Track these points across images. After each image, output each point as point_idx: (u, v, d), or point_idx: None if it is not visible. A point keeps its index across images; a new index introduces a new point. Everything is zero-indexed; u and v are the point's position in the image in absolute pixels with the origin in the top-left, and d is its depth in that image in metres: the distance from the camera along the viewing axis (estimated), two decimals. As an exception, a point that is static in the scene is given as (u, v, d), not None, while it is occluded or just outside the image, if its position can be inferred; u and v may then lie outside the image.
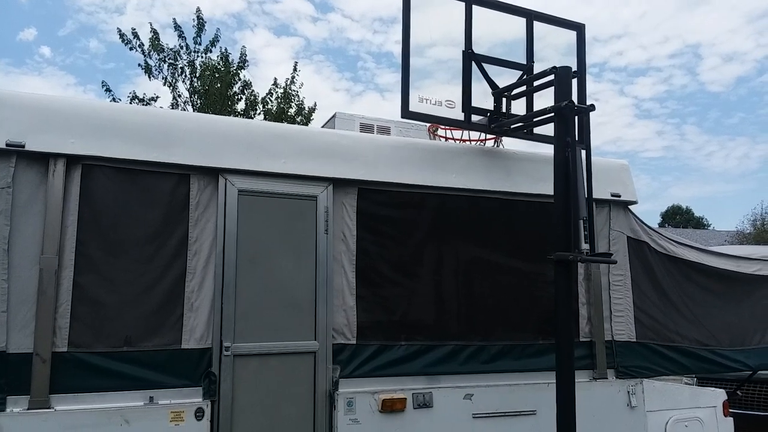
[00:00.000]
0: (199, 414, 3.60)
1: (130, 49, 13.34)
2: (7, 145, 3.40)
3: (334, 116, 5.99)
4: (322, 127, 6.21)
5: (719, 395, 5.25)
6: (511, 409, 4.34)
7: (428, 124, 5.66)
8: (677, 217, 61.26)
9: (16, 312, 3.35)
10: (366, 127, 5.81)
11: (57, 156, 3.52)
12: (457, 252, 4.43)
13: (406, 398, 4.06)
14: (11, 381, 3.29)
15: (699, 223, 59.16)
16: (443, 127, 5.52)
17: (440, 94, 4.47)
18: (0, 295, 3.31)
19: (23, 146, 3.44)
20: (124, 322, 3.56)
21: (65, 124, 3.57)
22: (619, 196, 4.96)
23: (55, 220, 3.47)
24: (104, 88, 13.21)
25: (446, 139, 5.77)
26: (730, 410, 5.29)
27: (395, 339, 4.18)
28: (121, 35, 13.25)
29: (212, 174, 3.88)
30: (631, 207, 5.07)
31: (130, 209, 3.66)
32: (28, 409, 3.29)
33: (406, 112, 4.30)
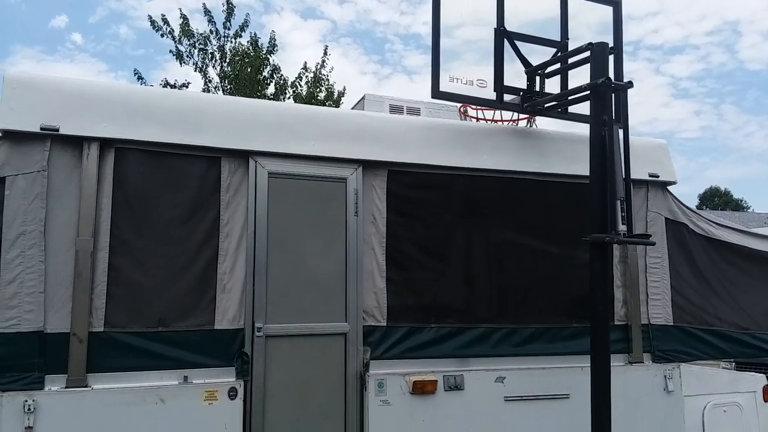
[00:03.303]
0: (232, 393, 3.64)
1: (161, 35, 13.45)
2: (41, 129, 3.45)
3: (363, 98, 5.93)
4: (352, 109, 6.17)
5: (759, 380, 5.13)
6: (544, 393, 4.29)
7: (459, 105, 5.57)
8: (716, 199, 59.84)
9: (54, 293, 3.42)
10: (395, 109, 5.75)
11: (90, 139, 3.56)
12: (489, 234, 4.37)
13: (437, 380, 4.05)
14: (49, 360, 3.36)
15: (738, 205, 57.69)
16: (474, 107, 5.43)
17: (471, 73, 4.39)
18: (38, 277, 3.38)
19: (57, 130, 3.48)
20: (158, 303, 3.60)
21: (98, 108, 3.61)
22: (658, 177, 4.83)
23: (89, 203, 3.51)
24: (136, 76, 13.35)
25: (477, 119, 5.67)
26: (771, 396, 5.16)
27: (425, 321, 4.16)
28: (152, 22, 13.35)
29: (243, 157, 3.89)
30: (669, 188, 4.94)
31: (162, 192, 3.69)
32: (65, 387, 3.37)
33: (437, 92, 4.23)
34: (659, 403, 4.59)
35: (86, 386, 3.40)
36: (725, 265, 5.03)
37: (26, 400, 3.26)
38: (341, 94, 14.93)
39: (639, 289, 4.69)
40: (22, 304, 3.34)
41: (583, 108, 4.27)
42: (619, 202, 3.70)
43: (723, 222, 5.16)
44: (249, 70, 13.51)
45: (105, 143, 3.59)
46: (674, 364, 4.69)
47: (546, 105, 4.50)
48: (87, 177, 3.53)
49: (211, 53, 13.66)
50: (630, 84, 4.00)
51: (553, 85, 4.57)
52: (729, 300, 4.99)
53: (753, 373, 5.25)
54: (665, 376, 4.63)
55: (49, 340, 3.38)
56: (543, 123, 5.49)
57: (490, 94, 4.44)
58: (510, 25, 4.45)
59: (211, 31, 13.72)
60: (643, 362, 4.63)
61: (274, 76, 14.10)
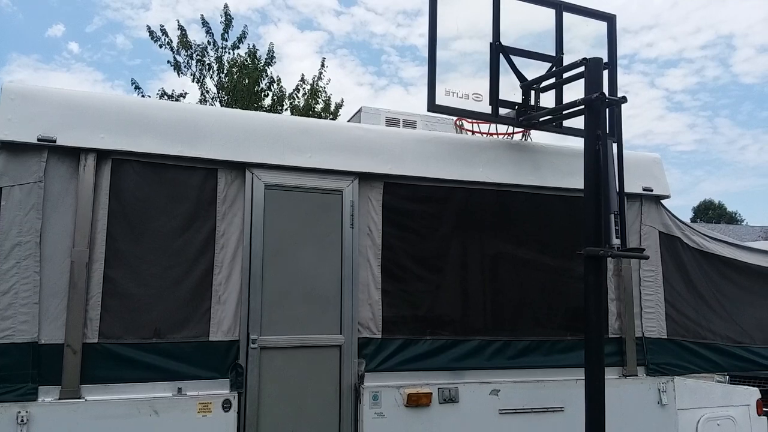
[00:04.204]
0: (226, 405, 3.63)
1: (160, 46, 13.49)
2: (38, 140, 3.46)
3: (360, 110, 5.97)
4: (348, 121, 6.21)
5: (753, 393, 5.13)
6: (539, 406, 4.29)
7: (455, 118, 5.60)
8: (710, 212, 60.12)
9: (48, 304, 3.41)
10: (392, 121, 5.79)
11: (87, 151, 3.57)
12: (484, 247, 4.38)
13: (431, 393, 4.05)
14: (43, 371, 3.35)
15: (732, 219, 57.99)
16: (470, 120, 5.46)
17: (467, 87, 4.43)
18: (32, 287, 3.37)
19: (54, 141, 3.49)
20: (153, 314, 3.60)
21: (95, 119, 3.62)
22: (651, 190, 4.87)
23: (85, 214, 3.52)
24: (133, 85, 13.38)
25: (473, 132, 5.71)
26: (764, 409, 5.16)
27: (420, 333, 4.16)
28: (150, 32, 13.40)
29: (239, 168, 3.90)
30: (663, 201, 4.97)
31: (158, 203, 3.70)
32: (59, 399, 3.36)
33: (433, 106, 4.27)
34: (653, 416, 4.59)
35: (80, 398, 3.39)
36: (719, 279, 5.05)
37: (19, 412, 3.25)
38: (339, 106, 14.99)
39: (633, 303, 4.71)
40: (17, 314, 3.33)
41: (578, 122, 4.31)
42: (612, 216, 3.73)
43: (716, 236, 5.19)
44: (246, 81, 13.55)
45: (102, 154, 3.61)
46: (668, 377, 4.70)
47: (541, 119, 4.53)
48: (83, 188, 3.53)
49: (208, 64, 13.71)
50: (624, 99, 4.05)
51: (548, 99, 4.62)
52: (723, 313, 5.00)
53: (747, 387, 5.26)
54: (659, 390, 4.64)
55: (43, 351, 3.37)
56: (538, 136, 5.54)
57: (486, 108, 4.47)
58: (506, 38, 4.50)
59: (209, 42, 13.78)
60: (637, 375, 4.63)
61: (272, 87, 14.15)
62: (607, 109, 3.98)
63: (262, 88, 14.02)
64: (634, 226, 4.80)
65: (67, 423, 3.33)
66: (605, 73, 4.14)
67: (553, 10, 4.67)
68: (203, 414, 3.58)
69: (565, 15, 4.70)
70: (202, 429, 3.56)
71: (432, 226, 4.27)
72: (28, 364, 3.32)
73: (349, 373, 3.96)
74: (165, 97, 13.42)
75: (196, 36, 15.31)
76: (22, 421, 3.24)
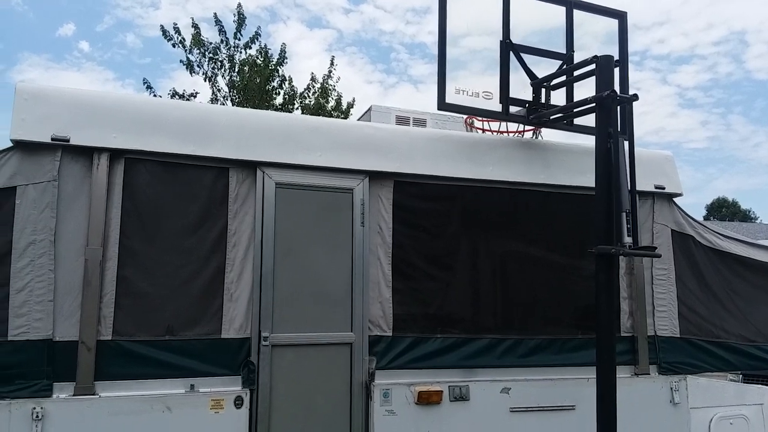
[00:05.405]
0: (238, 402, 3.66)
1: (173, 45, 13.54)
2: (52, 139, 3.50)
3: (369, 109, 5.97)
4: (358, 120, 6.22)
5: (766, 392, 5.09)
6: (550, 404, 4.28)
7: (465, 116, 5.59)
8: (723, 209, 59.61)
9: (63, 301, 3.45)
10: (402, 120, 5.78)
11: (101, 150, 3.60)
12: (494, 245, 4.38)
13: (442, 391, 4.05)
14: (58, 368, 3.39)
15: (746, 216, 57.47)
16: (480, 118, 5.45)
17: (477, 84, 4.41)
18: (47, 285, 3.41)
19: (68, 140, 3.53)
20: (166, 312, 3.63)
21: (108, 118, 3.66)
22: (663, 188, 4.84)
23: (99, 213, 3.56)
24: (145, 85, 13.44)
25: (483, 130, 5.69)
26: (779, 408, 5.12)
27: (431, 331, 4.16)
28: (164, 31, 13.45)
29: (250, 167, 3.92)
30: (675, 199, 4.94)
31: (171, 202, 3.73)
32: (73, 395, 3.40)
33: (443, 104, 4.27)
34: (665, 415, 4.57)
35: (94, 394, 3.43)
36: (732, 277, 5.01)
37: (34, 408, 3.29)
38: (350, 105, 14.99)
39: (645, 301, 4.69)
40: (32, 312, 3.37)
41: (589, 120, 4.29)
42: (624, 214, 3.71)
43: (730, 234, 5.15)
44: (258, 80, 13.58)
45: (115, 154, 3.64)
46: (680, 376, 4.68)
47: (551, 117, 4.52)
48: (97, 187, 3.57)
49: (220, 62, 13.74)
50: (635, 97, 4.02)
51: (558, 97, 4.60)
52: (736, 312, 4.97)
53: (760, 386, 5.22)
54: (671, 388, 4.62)
55: (57, 348, 3.41)
56: (548, 134, 5.52)
57: (496, 106, 4.46)
58: (516, 35, 4.48)
59: (221, 41, 13.81)
60: (649, 374, 4.61)
61: (284, 86, 14.17)
62: (619, 107, 3.97)
63: (273, 87, 14.05)
64: (646, 224, 4.77)
65: (81, 419, 3.37)
66: (616, 70, 4.12)
67: (564, 8, 4.65)
68: (215, 410, 3.61)
69: (576, 12, 4.68)
70: (214, 425, 3.59)
71: (442, 225, 4.28)
72: (43, 361, 3.36)
73: (360, 370, 3.97)
74: (176, 96, 13.46)
75: (208, 34, 15.29)
76: (37, 417, 3.28)
